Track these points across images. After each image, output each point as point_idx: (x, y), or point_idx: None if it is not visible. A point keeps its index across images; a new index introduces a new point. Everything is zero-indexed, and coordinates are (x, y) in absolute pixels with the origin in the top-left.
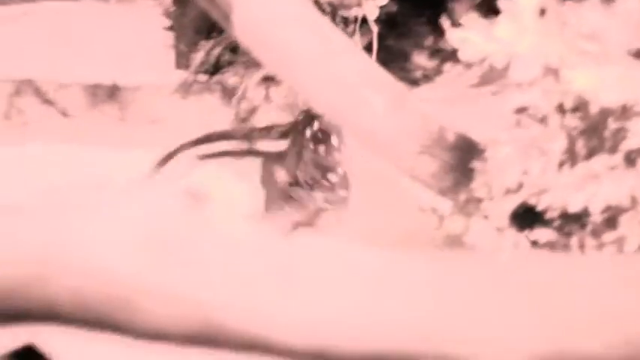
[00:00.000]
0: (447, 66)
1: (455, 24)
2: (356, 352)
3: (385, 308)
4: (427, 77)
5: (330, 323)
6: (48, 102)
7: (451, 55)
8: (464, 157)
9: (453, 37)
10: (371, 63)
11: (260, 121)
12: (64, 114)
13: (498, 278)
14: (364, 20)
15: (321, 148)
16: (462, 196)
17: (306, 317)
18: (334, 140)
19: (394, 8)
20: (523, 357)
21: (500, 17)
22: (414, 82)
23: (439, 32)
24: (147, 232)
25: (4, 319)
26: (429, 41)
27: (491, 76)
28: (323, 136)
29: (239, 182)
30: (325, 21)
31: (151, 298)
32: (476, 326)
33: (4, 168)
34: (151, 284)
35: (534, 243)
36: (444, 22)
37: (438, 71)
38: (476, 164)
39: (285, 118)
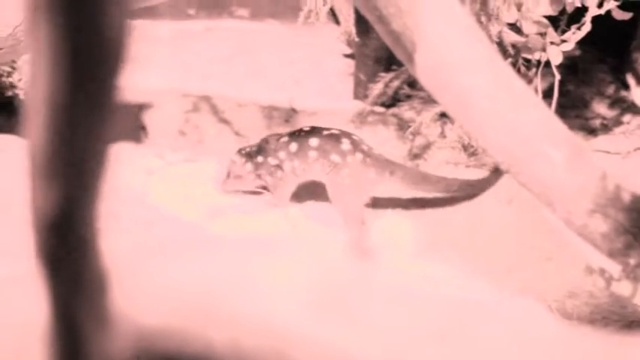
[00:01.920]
0: (627, 117)
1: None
2: None
3: None
4: (606, 127)
5: None
6: (223, 121)
7: (633, 107)
8: (638, 220)
9: (636, 94)
10: (551, 116)
11: (433, 157)
12: (238, 134)
13: None
14: (546, 64)
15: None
16: (633, 260)
17: None
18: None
19: (576, 52)
20: None
21: None
22: (591, 132)
23: (621, 82)
24: (312, 285)
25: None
26: (610, 90)
27: None
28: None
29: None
30: (509, 69)
31: (307, 353)
32: None
33: (176, 184)
34: (310, 339)
35: None
36: (629, 78)
37: (617, 122)
38: None
39: (458, 157)
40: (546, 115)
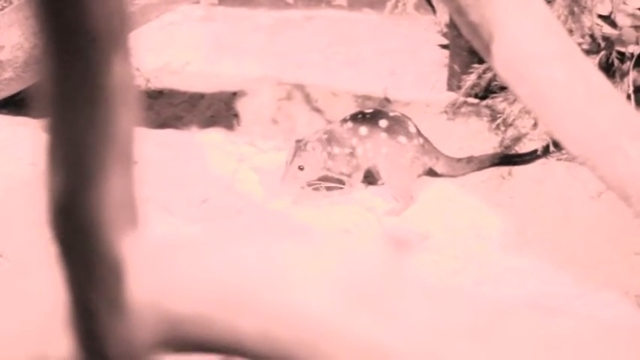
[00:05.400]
0: None
1: None
2: None
3: None
4: None
5: None
6: (316, 109)
7: None
8: None
9: None
10: (630, 110)
11: (524, 149)
12: (330, 123)
13: None
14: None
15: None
16: None
17: None
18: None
19: None
20: None
21: None
22: None
23: None
24: (346, 277)
25: (190, 348)
26: None
27: None
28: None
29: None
30: (588, 62)
31: (339, 345)
32: None
33: (269, 173)
34: (343, 331)
35: None
36: None
37: None
38: None
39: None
40: (624, 110)
